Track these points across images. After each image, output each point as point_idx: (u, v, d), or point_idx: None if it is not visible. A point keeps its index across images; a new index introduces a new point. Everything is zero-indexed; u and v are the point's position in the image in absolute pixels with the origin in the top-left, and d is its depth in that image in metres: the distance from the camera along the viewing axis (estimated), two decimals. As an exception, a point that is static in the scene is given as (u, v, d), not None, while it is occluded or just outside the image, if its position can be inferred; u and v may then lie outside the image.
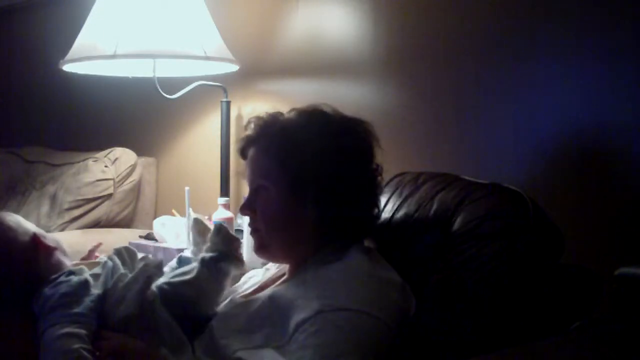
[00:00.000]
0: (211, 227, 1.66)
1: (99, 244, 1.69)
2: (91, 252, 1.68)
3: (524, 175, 1.94)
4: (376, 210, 1.59)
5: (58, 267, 1.54)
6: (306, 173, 1.50)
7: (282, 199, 1.52)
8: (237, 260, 1.57)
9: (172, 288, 1.50)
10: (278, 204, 1.52)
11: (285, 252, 1.56)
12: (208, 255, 1.55)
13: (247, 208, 1.58)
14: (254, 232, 1.58)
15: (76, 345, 1.36)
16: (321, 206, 1.51)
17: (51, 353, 1.37)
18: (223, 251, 1.56)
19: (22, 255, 1.51)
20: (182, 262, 1.67)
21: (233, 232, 2.28)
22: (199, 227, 1.71)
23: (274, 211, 1.53)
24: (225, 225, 1.67)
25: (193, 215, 1.73)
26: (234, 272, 1.59)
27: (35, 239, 1.54)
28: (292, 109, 1.60)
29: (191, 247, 1.74)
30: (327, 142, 1.52)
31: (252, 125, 1.59)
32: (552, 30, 1.93)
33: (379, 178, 1.58)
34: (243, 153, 1.61)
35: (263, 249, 1.56)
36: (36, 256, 1.52)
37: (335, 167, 1.51)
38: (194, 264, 1.56)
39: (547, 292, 1.48)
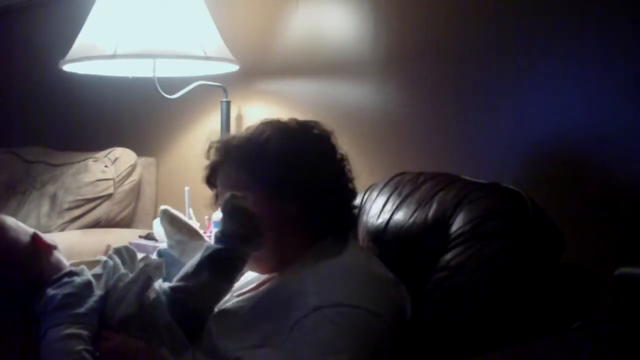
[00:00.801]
0: (184, 217, 1.64)
1: (109, 247, 1.70)
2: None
3: (524, 175, 1.94)
4: (353, 199, 1.62)
5: (58, 266, 1.54)
6: (277, 175, 1.53)
7: (259, 204, 1.52)
8: (255, 244, 1.51)
9: (181, 295, 1.48)
10: (260, 213, 1.52)
11: (274, 257, 1.56)
12: (215, 249, 1.50)
13: None
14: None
15: (78, 347, 1.36)
16: (299, 204, 1.53)
17: (53, 353, 1.37)
18: (236, 236, 1.50)
19: (23, 255, 1.51)
20: (161, 255, 1.65)
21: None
22: (168, 217, 1.68)
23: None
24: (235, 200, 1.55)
25: (161, 207, 1.69)
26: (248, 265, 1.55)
27: (36, 238, 1.54)
28: (247, 127, 1.64)
29: (167, 240, 1.70)
30: (290, 143, 1.56)
31: (212, 151, 1.63)
32: (551, 30, 1.93)
33: (347, 166, 1.61)
34: (210, 181, 1.64)
35: (252, 260, 1.54)
36: (37, 256, 1.53)
37: (303, 164, 1.54)
38: (199, 259, 1.51)
39: (547, 292, 1.48)
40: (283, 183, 1.53)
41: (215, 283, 1.49)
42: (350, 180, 1.61)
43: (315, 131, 1.61)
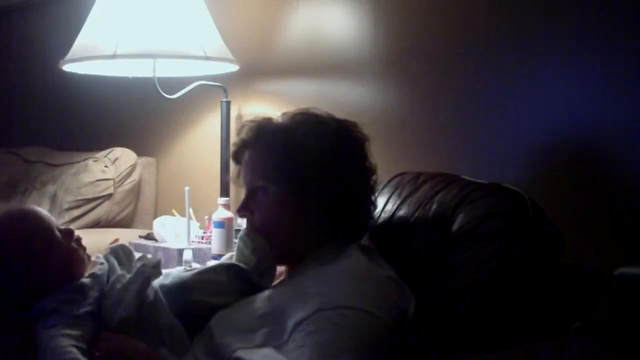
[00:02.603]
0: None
1: (117, 240, 1.69)
2: None
3: (524, 175, 1.94)
4: (372, 208, 1.60)
5: (75, 274, 1.52)
6: (305, 173, 1.52)
7: (281, 199, 1.53)
8: (268, 282, 1.55)
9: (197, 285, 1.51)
10: (277, 204, 1.53)
11: (285, 252, 1.56)
12: (237, 265, 1.54)
13: (244, 209, 1.58)
14: (253, 233, 1.58)
15: (69, 345, 1.36)
16: (320, 205, 1.52)
17: (46, 352, 1.37)
18: (255, 270, 1.54)
19: (40, 251, 1.50)
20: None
21: (233, 231, 2.29)
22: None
23: (273, 211, 1.54)
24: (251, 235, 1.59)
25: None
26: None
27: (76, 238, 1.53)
28: (284, 113, 1.61)
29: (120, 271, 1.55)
30: (324, 143, 1.54)
31: (246, 129, 1.60)
32: (551, 30, 1.93)
33: (374, 177, 1.59)
34: (237, 157, 1.62)
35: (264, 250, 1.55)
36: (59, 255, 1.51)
37: (333, 167, 1.53)
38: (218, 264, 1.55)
39: (547, 292, 1.48)
40: (308, 182, 1.52)
41: (229, 286, 1.52)
42: (373, 191, 1.60)
43: (352, 135, 1.58)
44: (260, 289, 1.52)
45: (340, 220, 1.53)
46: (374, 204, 1.61)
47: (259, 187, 1.56)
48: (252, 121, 1.61)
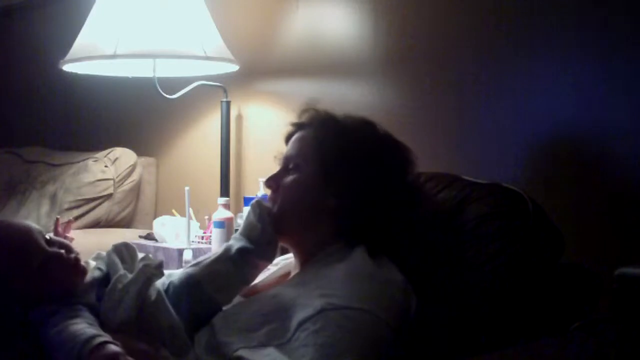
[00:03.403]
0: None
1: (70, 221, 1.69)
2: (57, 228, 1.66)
3: (524, 175, 1.94)
4: (394, 225, 1.56)
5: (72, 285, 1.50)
6: (340, 168, 1.54)
7: (310, 182, 1.55)
8: (271, 252, 1.56)
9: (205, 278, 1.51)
10: (304, 185, 1.56)
11: (296, 235, 1.57)
12: (237, 246, 1.53)
13: (273, 181, 1.60)
14: (270, 204, 1.59)
15: (86, 328, 1.35)
16: (342, 203, 1.53)
17: (63, 342, 1.34)
18: (258, 239, 1.54)
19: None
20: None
21: (233, 231, 2.29)
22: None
23: (297, 190, 1.56)
24: (260, 203, 1.58)
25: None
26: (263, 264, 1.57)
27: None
28: (348, 115, 1.64)
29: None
30: (367, 148, 1.57)
31: (307, 114, 1.64)
32: (551, 30, 1.93)
33: (410, 199, 1.58)
34: (289, 138, 1.65)
35: (277, 226, 1.56)
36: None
37: (365, 171, 1.55)
38: (222, 252, 1.54)
39: (547, 292, 1.48)
40: (340, 177, 1.54)
41: (236, 277, 1.52)
42: (398, 209, 1.56)
43: (397, 153, 1.61)
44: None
45: (356, 225, 1.53)
46: (396, 223, 1.56)
47: (297, 164, 1.58)
48: (314, 109, 1.65)
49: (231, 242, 1.57)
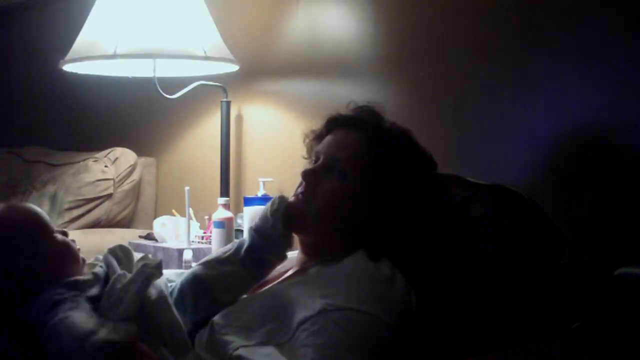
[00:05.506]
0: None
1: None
2: None
3: (524, 176, 1.94)
4: (418, 248, 1.55)
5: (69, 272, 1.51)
6: (393, 191, 1.51)
7: (357, 198, 1.52)
8: (282, 249, 1.53)
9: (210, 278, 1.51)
10: (352, 200, 1.52)
11: (319, 238, 1.54)
12: (246, 246, 1.52)
13: (313, 176, 1.53)
14: (302, 199, 1.54)
15: (90, 318, 1.35)
16: (381, 220, 1.50)
17: (67, 331, 1.34)
18: (268, 234, 1.51)
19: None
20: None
21: (233, 231, 2.29)
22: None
23: (342, 204, 1.52)
24: (283, 199, 1.53)
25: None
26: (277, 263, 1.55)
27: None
28: (388, 120, 1.61)
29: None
30: (419, 176, 1.55)
31: (359, 110, 1.60)
32: (551, 30, 1.93)
33: (438, 221, 1.56)
34: (330, 125, 1.60)
35: (298, 220, 1.52)
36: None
37: (414, 197, 1.52)
38: (232, 252, 1.53)
39: (547, 292, 1.48)
40: (383, 196, 1.51)
41: (244, 279, 1.52)
42: (428, 236, 1.55)
43: (436, 179, 1.59)
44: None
45: (382, 240, 1.51)
46: (423, 245, 1.55)
47: (342, 169, 1.52)
48: (366, 107, 1.60)
49: (244, 237, 1.56)
